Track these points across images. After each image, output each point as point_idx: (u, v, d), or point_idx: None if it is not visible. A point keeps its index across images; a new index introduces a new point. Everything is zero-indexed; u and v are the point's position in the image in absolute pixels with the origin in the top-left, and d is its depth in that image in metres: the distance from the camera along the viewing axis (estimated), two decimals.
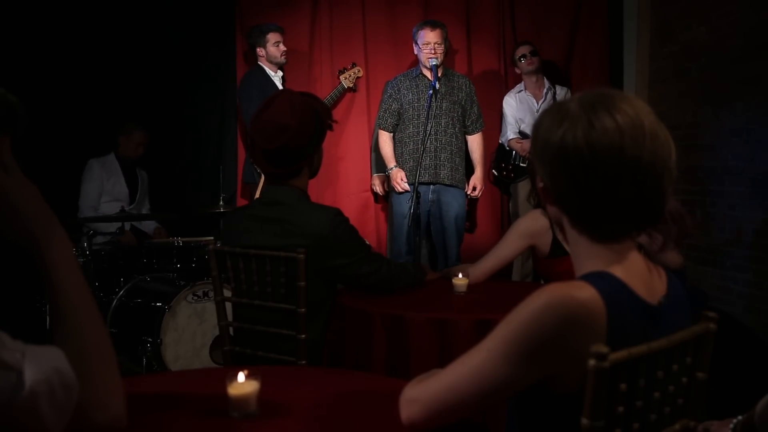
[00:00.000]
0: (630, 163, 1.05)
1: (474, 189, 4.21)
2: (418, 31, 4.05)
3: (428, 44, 3.97)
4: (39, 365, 0.88)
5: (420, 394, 1.16)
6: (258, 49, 4.29)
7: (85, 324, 0.99)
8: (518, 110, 4.49)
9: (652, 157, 1.06)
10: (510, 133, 4.49)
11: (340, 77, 4.52)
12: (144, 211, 4.45)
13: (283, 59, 4.31)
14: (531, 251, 2.56)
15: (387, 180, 4.34)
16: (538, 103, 4.45)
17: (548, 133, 1.11)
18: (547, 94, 4.45)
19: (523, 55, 4.43)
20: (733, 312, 3.72)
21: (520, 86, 4.54)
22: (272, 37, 4.26)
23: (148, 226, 4.40)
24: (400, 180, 4.06)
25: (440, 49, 3.97)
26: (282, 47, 4.29)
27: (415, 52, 4.13)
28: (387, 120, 4.16)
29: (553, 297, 1.04)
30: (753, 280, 3.70)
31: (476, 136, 4.24)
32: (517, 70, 4.52)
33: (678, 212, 1.19)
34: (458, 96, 4.09)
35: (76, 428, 0.93)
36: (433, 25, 4.02)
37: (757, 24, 3.61)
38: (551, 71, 4.66)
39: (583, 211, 1.12)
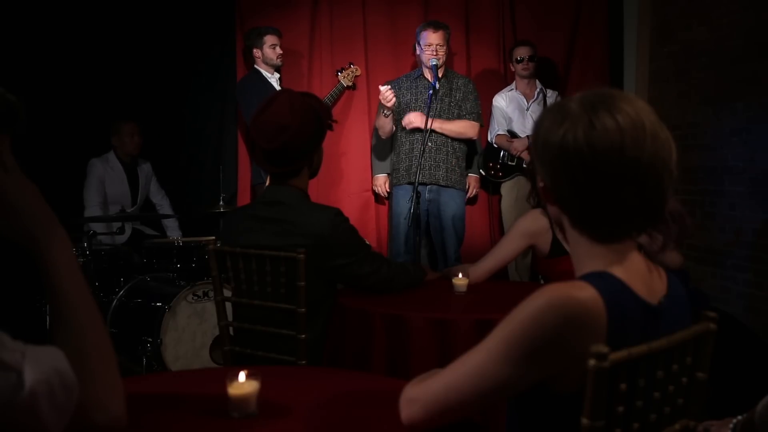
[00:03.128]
0: (631, 163, 1.05)
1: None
2: (421, 31, 4.06)
3: (430, 45, 3.97)
4: (39, 366, 0.88)
5: (420, 394, 1.16)
6: (255, 51, 4.30)
7: (85, 324, 0.99)
8: (507, 108, 4.46)
9: (653, 157, 1.06)
10: (499, 129, 4.44)
11: (339, 76, 4.52)
12: (159, 203, 4.52)
13: (278, 62, 4.31)
14: (531, 251, 2.56)
15: (389, 180, 4.37)
16: (528, 102, 4.43)
17: (549, 133, 1.11)
18: (538, 94, 4.43)
19: (521, 59, 4.38)
20: (733, 312, 3.72)
21: (512, 86, 4.51)
22: (269, 39, 4.26)
23: (173, 230, 4.42)
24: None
25: (442, 51, 3.98)
26: (278, 50, 4.28)
27: (417, 53, 4.13)
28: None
29: (553, 297, 1.04)
30: (753, 280, 3.70)
31: (469, 123, 4.09)
32: (512, 67, 4.48)
33: (678, 212, 1.19)
34: (455, 97, 4.09)
35: (75, 428, 0.93)
36: (435, 26, 4.02)
37: (757, 24, 3.61)
38: (551, 71, 4.65)
39: (583, 211, 1.12)
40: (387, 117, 4.05)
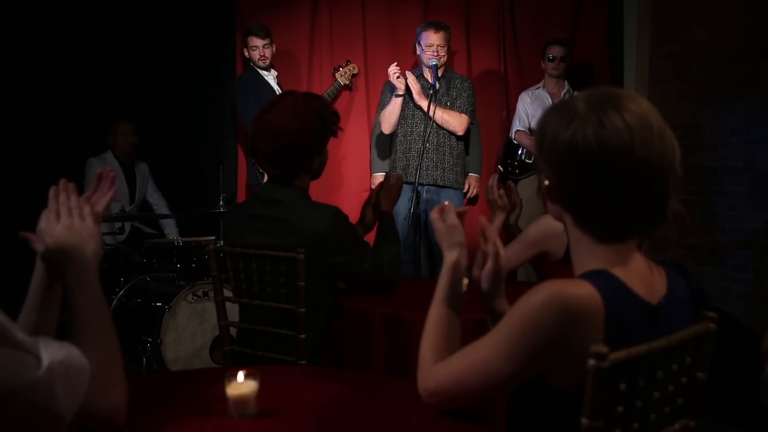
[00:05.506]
0: (640, 162, 1.05)
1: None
2: (422, 32, 4.05)
3: (431, 46, 3.97)
4: (54, 349, 0.95)
5: (438, 388, 1.18)
6: (244, 50, 4.30)
7: (94, 332, 1.11)
8: (531, 106, 4.43)
9: (661, 156, 1.06)
10: (520, 125, 4.42)
11: (336, 75, 4.51)
12: (156, 202, 4.53)
13: (261, 63, 4.22)
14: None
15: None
16: (552, 101, 4.39)
17: (557, 133, 1.11)
18: (565, 95, 4.40)
19: (553, 58, 4.33)
20: (733, 312, 3.72)
21: (539, 84, 4.48)
22: (250, 41, 4.19)
23: (170, 229, 4.43)
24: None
25: (442, 51, 3.98)
26: (261, 51, 4.17)
27: (418, 53, 4.13)
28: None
29: (551, 292, 1.04)
30: (753, 280, 3.70)
31: (457, 113, 4.04)
32: (543, 65, 4.43)
33: (678, 212, 1.19)
34: (452, 95, 4.09)
35: (78, 415, 0.97)
36: (437, 27, 4.01)
37: (757, 24, 3.61)
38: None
39: (589, 211, 1.12)
40: (398, 98, 4.00)
